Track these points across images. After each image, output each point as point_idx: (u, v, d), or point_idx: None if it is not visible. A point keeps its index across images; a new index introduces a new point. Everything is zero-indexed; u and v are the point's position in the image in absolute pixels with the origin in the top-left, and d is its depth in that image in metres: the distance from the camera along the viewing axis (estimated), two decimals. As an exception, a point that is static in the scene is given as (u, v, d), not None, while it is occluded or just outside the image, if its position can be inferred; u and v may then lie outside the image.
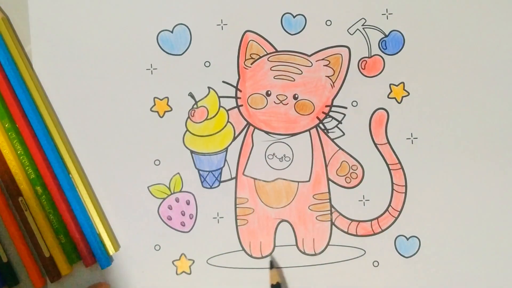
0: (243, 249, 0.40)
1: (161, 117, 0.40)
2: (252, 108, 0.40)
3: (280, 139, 0.40)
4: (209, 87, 0.40)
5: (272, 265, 0.40)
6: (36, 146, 0.39)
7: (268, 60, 0.40)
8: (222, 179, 0.40)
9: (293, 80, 0.40)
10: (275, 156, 0.40)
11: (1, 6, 0.40)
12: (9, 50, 0.39)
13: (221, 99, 0.40)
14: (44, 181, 0.39)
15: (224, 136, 0.40)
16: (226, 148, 0.40)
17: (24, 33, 0.40)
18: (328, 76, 0.40)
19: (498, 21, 0.40)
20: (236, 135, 0.41)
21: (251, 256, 0.40)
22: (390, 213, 0.40)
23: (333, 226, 0.40)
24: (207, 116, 0.40)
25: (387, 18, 0.40)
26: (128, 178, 0.40)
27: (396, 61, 0.40)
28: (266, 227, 0.40)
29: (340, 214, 0.40)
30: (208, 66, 0.40)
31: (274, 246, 0.40)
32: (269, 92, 0.40)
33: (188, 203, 0.40)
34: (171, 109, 0.40)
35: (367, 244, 0.40)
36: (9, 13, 0.40)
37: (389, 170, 0.40)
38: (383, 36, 0.40)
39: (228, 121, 0.40)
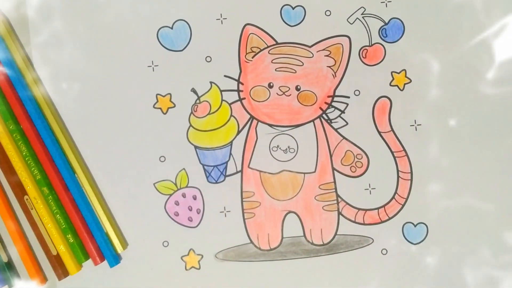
0: (251, 242, 0.40)
1: (165, 113, 0.40)
2: (255, 101, 0.40)
3: (284, 131, 0.40)
4: (211, 82, 0.40)
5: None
6: (40, 146, 0.39)
7: (269, 53, 0.40)
8: (227, 173, 0.40)
9: (294, 72, 0.40)
10: (280, 148, 0.40)
11: (1, 7, 0.41)
12: (10, 51, 0.39)
13: (223, 93, 0.40)
14: (50, 181, 0.39)
15: (228, 130, 0.40)
16: (231, 142, 0.40)
17: (23, 34, 0.40)
18: (329, 66, 0.40)
19: (498, 8, 0.40)
20: (240, 129, 0.41)
21: (259, 248, 0.40)
22: (396, 201, 0.40)
23: (340, 215, 0.40)
24: (210, 110, 0.40)
25: (386, 6, 0.40)
26: (133, 175, 0.40)
27: (397, 49, 0.40)
28: (273, 219, 0.40)
29: (347, 203, 0.40)
30: (209, 61, 0.40)
31: (282, 237, 0.40)
32: (271, 84, 0.40)
33: (194, 198, 0.40)
34: (174, 105, 0.40)
35: (375, 232, 0.40)
36: (8, 14, 0.40)
37: (394, 157, 0.40)
38: (383, 24, 0.40)
39: (231, 115, 0.40)
